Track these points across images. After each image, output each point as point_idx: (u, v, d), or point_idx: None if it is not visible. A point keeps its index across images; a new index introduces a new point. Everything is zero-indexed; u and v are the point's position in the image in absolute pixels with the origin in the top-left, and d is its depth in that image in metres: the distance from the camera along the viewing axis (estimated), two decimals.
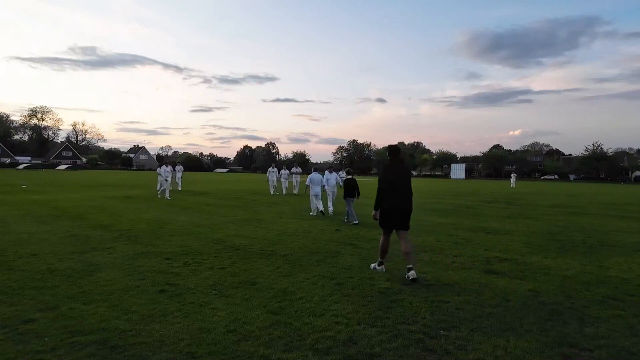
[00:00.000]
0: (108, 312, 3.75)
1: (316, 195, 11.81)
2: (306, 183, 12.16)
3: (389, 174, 5.42)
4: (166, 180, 16.84)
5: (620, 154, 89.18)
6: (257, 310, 3.91)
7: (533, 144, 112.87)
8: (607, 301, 4.42)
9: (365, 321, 3.68)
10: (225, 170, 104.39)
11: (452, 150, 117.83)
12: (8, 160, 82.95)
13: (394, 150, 5.69)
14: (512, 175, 43.84)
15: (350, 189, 10.54)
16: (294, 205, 14.75)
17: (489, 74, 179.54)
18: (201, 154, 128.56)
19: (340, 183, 12.21)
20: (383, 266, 5.59)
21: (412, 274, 5.02)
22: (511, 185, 38.99)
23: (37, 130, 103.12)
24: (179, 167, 22.80)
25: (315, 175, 11.93)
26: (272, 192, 20.66)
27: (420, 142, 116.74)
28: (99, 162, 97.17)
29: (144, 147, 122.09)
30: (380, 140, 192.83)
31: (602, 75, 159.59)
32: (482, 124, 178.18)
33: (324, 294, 4.46)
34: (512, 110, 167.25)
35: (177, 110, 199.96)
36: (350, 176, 10.84)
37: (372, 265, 5.73)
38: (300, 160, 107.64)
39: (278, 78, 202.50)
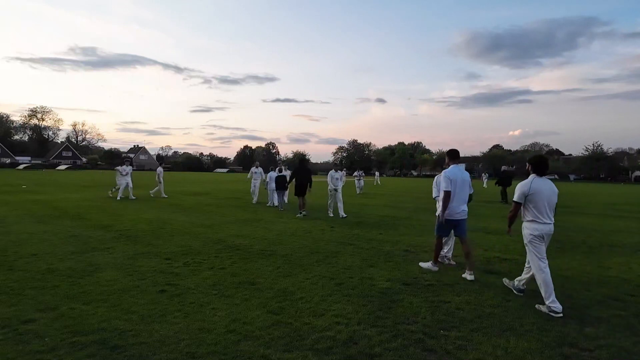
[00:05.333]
0: (108, 312, 3.75)
1: (272, 190, 14.23)
2: (265, 180, 15.02)
3: (298, 170, 12.09)
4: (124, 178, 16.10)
5: (620, 154, 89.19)
6: (257, 310, 3.90)
7: (533, 144, 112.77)
8: (607, 301, 4.42)
9: (366, 321, 3.68)
10: (225, 170, 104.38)
11: None
12: (8, 161, 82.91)
13: (301, 160, 13.18)
14: (483, 174, 43.30)
15: (281, 183, 13.26)
16: (294, 206, 14.73)
17: (488, 74, 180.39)
18: (201, 154, 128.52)
19: (340, 183, 12.29)
20: (303, 214, 11.56)
21: (303, 214, 11.51)
22: (484, 185, 37.79)
23: (37, 130, 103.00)
24: (126, 168, 16.38)
25: (272, 174, 14.32)
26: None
27: (420, 142, 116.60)
28: (99, 162, 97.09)
29: (144, 147, 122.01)
30: (380, 140, 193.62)
31: (600, 76, 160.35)
32: (481, 124, 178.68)
33: (324, 294, 4.46)
34: (511, 110, 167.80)
35: (177, 111, 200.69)
36: (281, 173, 13.71)
37: (298, 214, 11.58)
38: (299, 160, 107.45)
39: (278, 78, 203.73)
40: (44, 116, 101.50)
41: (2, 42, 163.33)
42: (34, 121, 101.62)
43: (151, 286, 4.59)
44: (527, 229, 4.31)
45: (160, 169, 18.23)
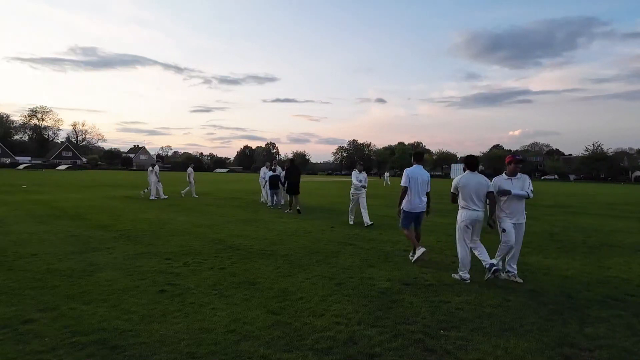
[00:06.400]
0: (108, 312, 3.75)
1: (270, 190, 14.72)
2: (261, 178, 15.58)
3: (289, 171, 12.56)
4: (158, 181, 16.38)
5: (620, 154, 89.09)
6: (257, 310, 3.90)
7: (533, 144, 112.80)
8: (607, 301, 4.42)
9: (366, 321, 3.68)
10: (225, 170, 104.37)
11: (452, 150, 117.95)
12: (8, 161, 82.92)
13: (291, 160, 13.62)
14: None
15: (275, 183, 13.86)
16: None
17: (487, 75, 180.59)
18: (201, 154, 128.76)
19: (365, 184, 10.33)
20: (289, 211, 12.43)
21: (290, 211, 12.42)
22: None
23: (37, 130, 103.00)
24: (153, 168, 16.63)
25: (269, 173, 14.72)
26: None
27: (420, 142, 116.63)
28: (99, 162, 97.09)
29: (144, 147, 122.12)
30: (380, 140, 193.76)
31: (600, 76, 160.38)
32: (481, 124, 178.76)
33: (324, 294, 4.46)
34: (511, 110, 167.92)
35: (177, 111, 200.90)
36: (275, 173, 14.10)
37: (286, 210, 12.58)
38: (301, 160, 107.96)
39: (278, 78, 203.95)
40: (44, 116, 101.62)
41: (2, 42, 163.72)
42: (34, 121, 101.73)
43: (151, 286, 4.59)
44: (459, 215, 5.27)
45: (190, 169, 18.27)
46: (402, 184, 6.21)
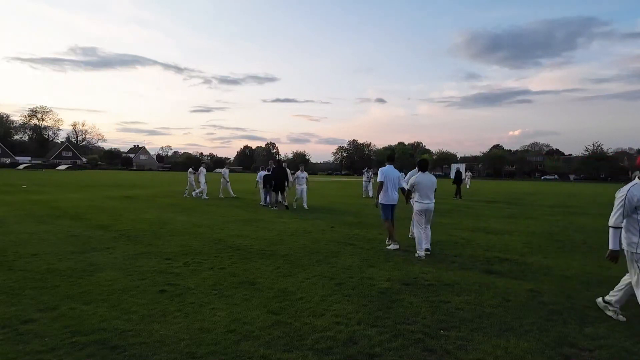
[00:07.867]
0: (108, 312, 3.75)
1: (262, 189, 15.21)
2: (257, 179, 15.68)
3: (275, 170, 13.47)
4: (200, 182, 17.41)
5: (620, 154, 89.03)
6: (257, 310, 3.90)
7: (533, 144, 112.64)
8: None
9: (365, 321, 3.68)
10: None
11: (452, 150, 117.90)
12: (8, 160, 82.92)
13: (278, 161, 14.18)
14: (466, 173, 34.65)
15: (268, 182, 14.15)
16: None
17: (487, 75, 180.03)
18: (201, 154, 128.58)
19: (405, 185, 7.72)
20: (275, 208, 13.21)
21: (282, 206, 13.30)
22: (467, 187, 31.60)
23: (37, 130, 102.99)
24: (194, 170, 19.10)
25: (262, 173, 15.12)
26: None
27: (420, 142, 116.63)
28: (99, 163, 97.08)
29: (144, 147, 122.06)
30: (380, 140, 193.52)
31: (600, 76, 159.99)
32: (481, 124, 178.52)
33: (324, 294, 4.46)
34: (511, 110, 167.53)
35: (177, 111, 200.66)
36: (268, 172, 14.35)
37: (273, 207, 13.37)
38: (300, 161, 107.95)
39: (278, 78, 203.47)
40: (44, 116, 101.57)
41: (2, 42, 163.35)
42: (34, 121, 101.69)
43: (151, 286, 4.59)
44: (415, 206, 6.77)
45: (225, 170, 19.11)
46: (378, 180, 7.35)
